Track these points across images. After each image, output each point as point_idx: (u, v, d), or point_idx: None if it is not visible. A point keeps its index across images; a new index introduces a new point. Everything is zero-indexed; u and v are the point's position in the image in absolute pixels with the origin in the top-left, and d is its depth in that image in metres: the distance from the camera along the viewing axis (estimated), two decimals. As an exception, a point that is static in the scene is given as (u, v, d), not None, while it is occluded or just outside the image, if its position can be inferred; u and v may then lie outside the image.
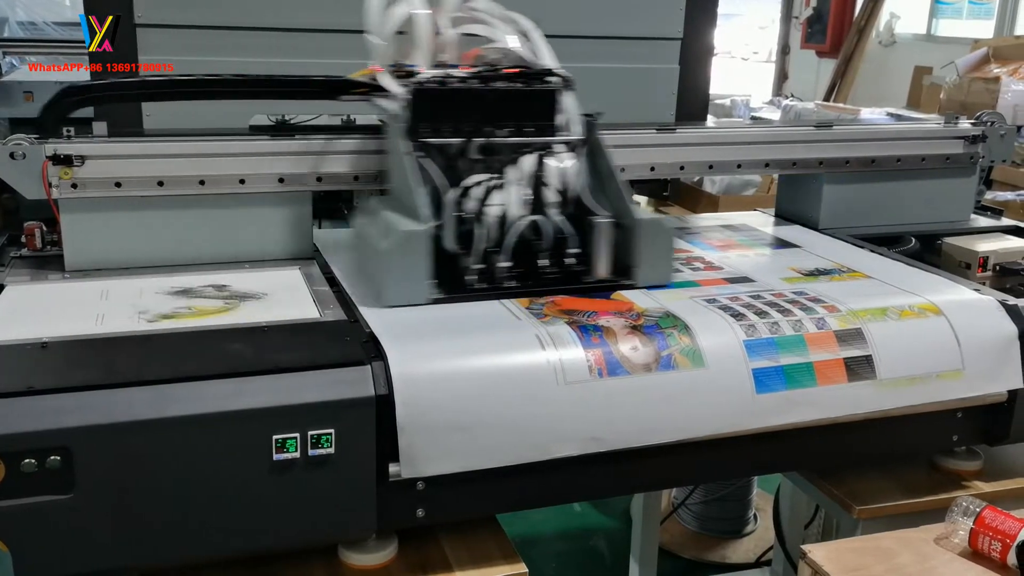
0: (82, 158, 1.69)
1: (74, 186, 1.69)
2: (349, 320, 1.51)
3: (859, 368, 1.56)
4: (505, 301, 1.60)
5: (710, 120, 3.32)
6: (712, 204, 3.64)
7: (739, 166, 2.19)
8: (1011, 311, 1.68)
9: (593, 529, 3.47)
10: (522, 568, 1.43)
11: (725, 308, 1.59)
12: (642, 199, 3.15)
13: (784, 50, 10.30)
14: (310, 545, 1.41)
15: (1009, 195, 3.77)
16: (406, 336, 1.42)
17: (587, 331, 1.47)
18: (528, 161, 1.69)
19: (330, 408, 1.30)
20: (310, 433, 1.28)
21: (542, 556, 3.27)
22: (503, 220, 1.62)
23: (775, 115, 5.97)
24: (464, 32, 1.81)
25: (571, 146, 1.75)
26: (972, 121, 2.32)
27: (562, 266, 1.66)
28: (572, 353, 1.43)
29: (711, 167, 2.17)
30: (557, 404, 1.40)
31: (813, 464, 1.76)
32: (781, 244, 2.10)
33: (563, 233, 1.66)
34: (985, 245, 2.04)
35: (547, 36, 1.86)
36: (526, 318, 1.52)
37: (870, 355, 1.57)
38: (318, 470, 1.30)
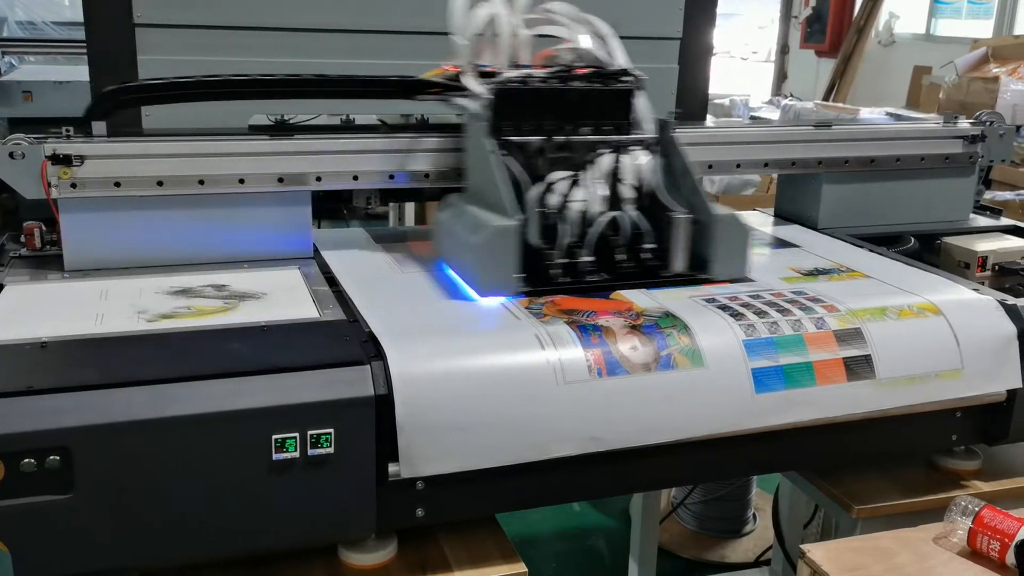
0: (81, 158, 1.69)
1: (73, 186, 1.69)
2: (348, 320, 1.51)
3: (858, 368, 1.56)
4: (504, 301, 1.61)
5: (709, 120, 3.32)
6: (711, 204, 3.63)
7: (738, 166, 2.19)
8: (1010, 311, 1.68)
9: (592, 529, 3.47)
10: (521, 568, 1.43)
11: (724, 308, 1.59)
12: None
13: (783, 50, 10.31)
14: (310, 545, 1.41)
15: (1008, 195, 3.78)
16: (406, 336, 1.42)
17: (586, 331, 1.47)
18: (606, 158, 1.74)
19: (330, 408, 1.30)
20: (310, 433, 1.28)
21: (541, 556, 3.27)
22: (584, 216, 1.68)
23: (774, 115, 5.98)
24: (541, 33, 1.86)
25: (646, 144, 1.80)
26: (971, 121, 2.33)
27: (638, 260, 1.71)
28: (571, 353, 1.43)
29: (710, 167, 2.17)
30: (556, 404, 1.40)
31: (812, 464, 1.76)
32: (780, 244, 2.10)
33: (639, 228, 1.71)
34: (984, 245, 2.04)
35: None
36: (525, 318, 1.52)
37: (869, 355, 1.57)
38: (318, 470, 1.30)
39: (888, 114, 4.59)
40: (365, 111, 2.25)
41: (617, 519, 3.46)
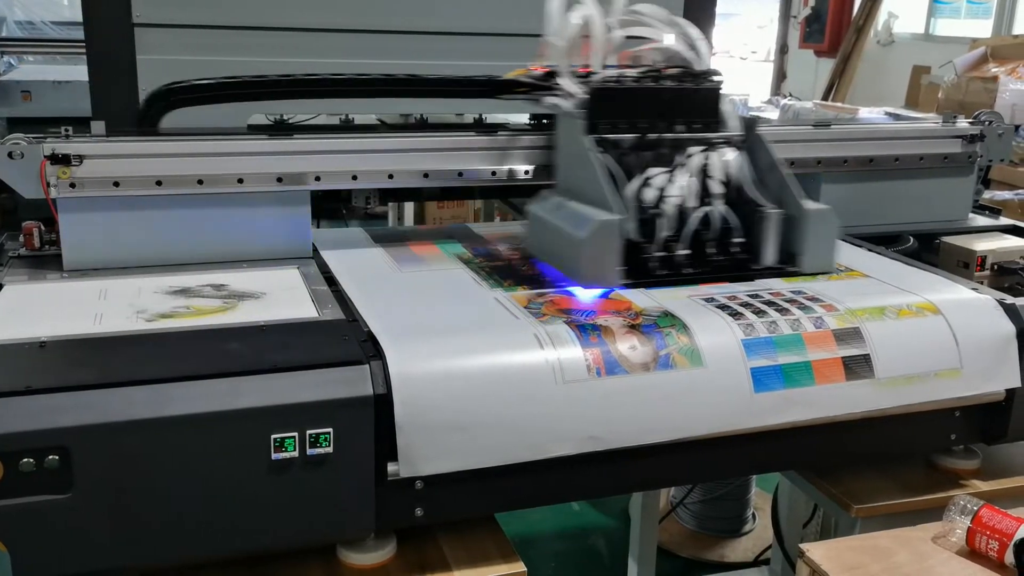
0: (80, 157, 1.69)
1: (72, 185, 1.69)
2: (348, 319, 1.51)
3: (857, 367, 1.56)
4: (503, 300, 1.61)
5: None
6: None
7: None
8: (1009, 310, 1.68)
9: (591, 528, 3.47)
10: (521, 567, 1.43)
11: (723, 307, 1.59)
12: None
13: (782, 49, 10.30)
14: (308, 545, 1.41)
15: (1007, 194, 3.78)
16: (405, 335, 1.42)
17: (585, 330, 1.47)
18: (697, 155, 1.80)
19: (329, 407, 1.30)
20: (308, 432, 1.28)
21: (540, 555, 3.27)
22: (680, 211, 1.74)
23: (773, 114, 5.97)
24: (632, 35, 1.92)
25: (732, 141, 1.86)
26: (970, 120, 2.32)
27: (728, 254, 1.77)
28: (570, 352, 1.43)
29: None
30: (555, 403, 1.40)
31: (811, 463, 1.76)
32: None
33: (728, 223, 1.77)
34: (983, 244, 2.04)
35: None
36: (524, 317, 1.52)
37: (868, 354, 1.57)
38: (316, 469, 1.30)
39: (887, 114, 4.59)
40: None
41: (616, 519, 3.46)
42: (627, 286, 1.68)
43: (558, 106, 1.87)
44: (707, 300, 1.63)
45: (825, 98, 8.21)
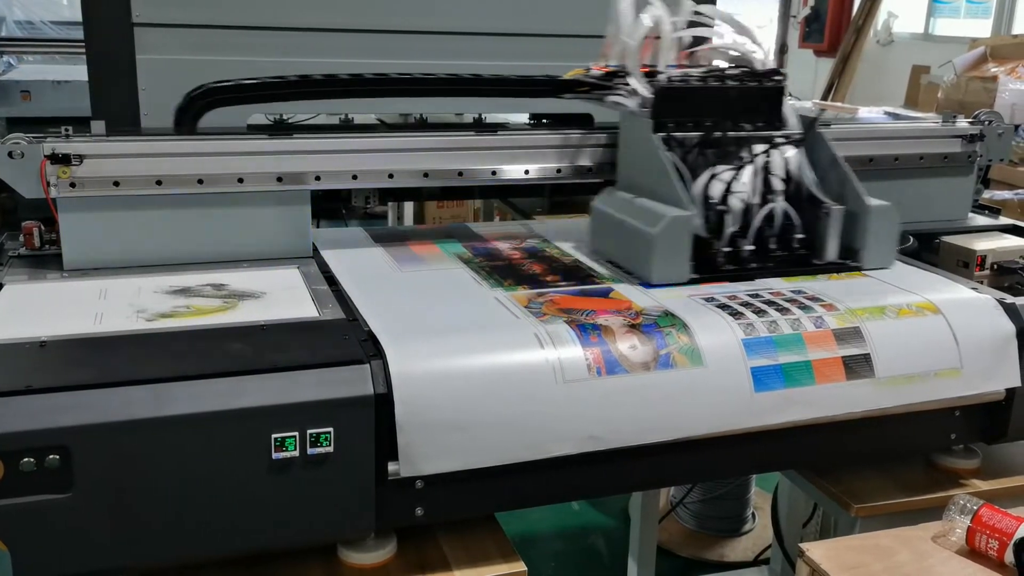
0: (80, 157, 1.68)
1: (72, 185, 1.69)
2: (348, 319, 1.51)
3: (857, 367, 1.56)
4: (504, 299, 1.61)
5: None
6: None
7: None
8: (1009, 310, 1.68)
9: (591, 528, 3.47)
10: (521, 567, 1.43)
11: (723, 307, 1.59)
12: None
13: (782, 49, 10.28)
14: (309, 544, 1.41)
15: (1007, 194, 3.78)
16: (405, 335, 1.42)
17: (586, 330, 1.47)
18: (760, 152, 1.84)
19: (329, 407, 1.30)
20: (309, 432, 1.28)
21: (540, 555, 3.27)
22: (745, 207, 1.78)
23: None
24: (697, 36, 1.98)
25: (793, 139, 1.90)
26: (970, 120, 2.32)
27: (790, 249, 1.81)
28: (571, 352, 1.43)
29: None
30: (556, 403, 1.40)
31: (811, 462, 1.76)
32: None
33: (789, 219, 1.81)
34: (983, 244, 2.04)
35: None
36: (525, 317, 1.52)
37: (868, 354, 1.57)
38: (317, 469, 1.30)
39: (887, 113, 4.58)
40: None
41: (616, 518, 3.46)
42: (695, 281, 1.71)
43: (622, 105, 1.90)
44: (707, 299, 1.63)
45: (824, 98, 8.20)
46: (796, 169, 1.87)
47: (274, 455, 1.27)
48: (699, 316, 1.55)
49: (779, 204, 1.81)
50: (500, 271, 1.79)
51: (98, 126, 1.78)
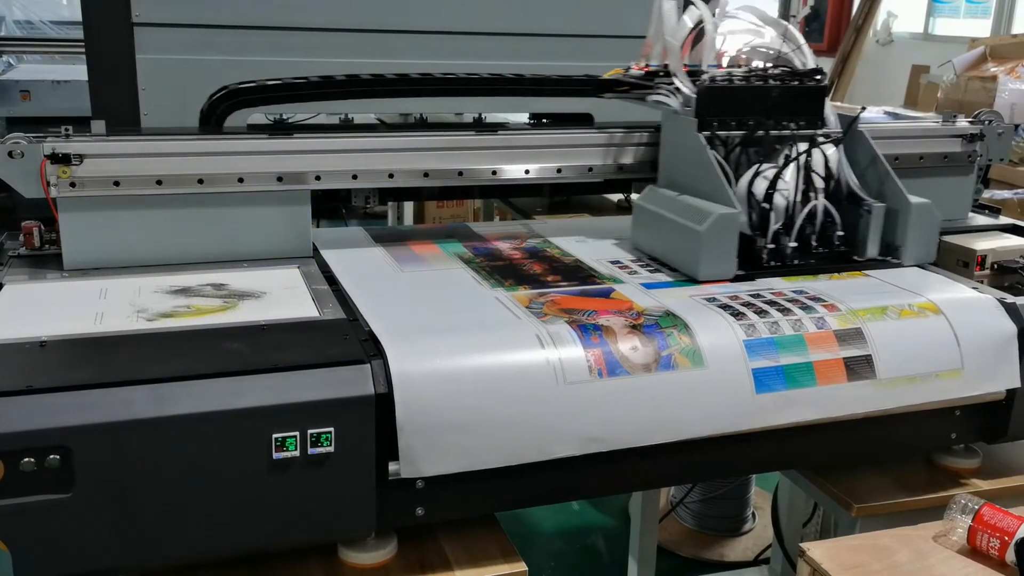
0: (80, 157, 1.68)
1: (72, 185, 1.69)
2: (348, 319, 1.51)
3: (859, 368, 1.56)
4: (504, 300, 1.61)
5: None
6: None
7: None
8: (1009, 309, 1.68)
9: (591, 528, 3.47)
10: (521, 567, 1.43)
11: (725, 307, 1.59)
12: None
13: (781, 49, 10.30)
14: (309, 544, 1.41)
15: (1007, 194, 3.78)
16: (405, 335, 1.42)
17: (587, 330, 1.47)
18: (802, 151, 1.85)
19: (330, 407, 1.29)
20: (310, 432, 1.28)
21: (540, 555, 3.27)
22: (788, 204, 1.80)
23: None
24: (737, 35, 2.01)
25: (834, 138, 1.93)
26: (970, 120, 2.32)
27: (831, 246, 1.84)
28: (572, 352, 1.43)
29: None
30: (557, 404, 1.40)
31: (811, 462, 1.76)
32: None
33: (830, 216, 1.84)
34: (983, 243, 2.03)
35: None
36: (526, 317, 1.52)
37: (870, 355, 1.57)
38: (318, 469, 1.30)
39: (886, 113, 4.58)
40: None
41: (616, 518, 3.46)
42: (740, 277, 1.74)
43: (664, 104, 1.93)
44: (709, 300, 1.63)
45: (824, 97, 8.19)
46: (836, 167, 1.90)
47: (275, 455, 1.27)
48: (701, 317, 1.55)
49: (820, 202, 1.83)
50: (501, 271, 1.79)
51: (98, 126, 1.77)
